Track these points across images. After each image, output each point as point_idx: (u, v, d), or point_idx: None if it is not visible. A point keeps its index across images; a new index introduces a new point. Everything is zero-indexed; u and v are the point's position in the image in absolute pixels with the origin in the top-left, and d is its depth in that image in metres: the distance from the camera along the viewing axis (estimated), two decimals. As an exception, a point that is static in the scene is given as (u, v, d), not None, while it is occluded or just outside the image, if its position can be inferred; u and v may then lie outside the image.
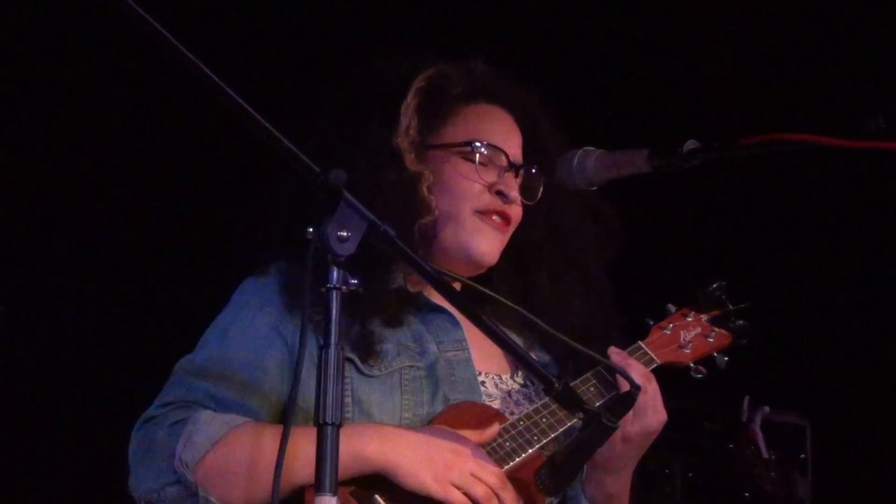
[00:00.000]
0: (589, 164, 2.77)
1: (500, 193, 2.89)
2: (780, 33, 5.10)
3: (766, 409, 5.07)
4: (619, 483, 2.83)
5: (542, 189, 2.96)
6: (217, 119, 2.35)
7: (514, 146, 2.96)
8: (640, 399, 2.67)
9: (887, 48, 4.80)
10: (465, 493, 2.56)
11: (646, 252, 4.90)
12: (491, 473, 2.59)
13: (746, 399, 5.04)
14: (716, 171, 2.58)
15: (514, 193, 2.91)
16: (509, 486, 2.61)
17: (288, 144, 2.18)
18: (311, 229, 2.18)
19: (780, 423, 5.18)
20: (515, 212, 2.93)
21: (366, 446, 2.55)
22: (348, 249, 2.18)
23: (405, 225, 2.79)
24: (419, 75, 2.92)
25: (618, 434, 2.64)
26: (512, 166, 2.93)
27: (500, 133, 2.95)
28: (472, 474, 2.57)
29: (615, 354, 2.80)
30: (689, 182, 2.66)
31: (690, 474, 4.86)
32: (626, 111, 4.98)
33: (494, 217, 2.89)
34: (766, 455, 5.01)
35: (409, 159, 2.85)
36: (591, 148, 2.80)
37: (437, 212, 2.85)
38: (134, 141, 4.39)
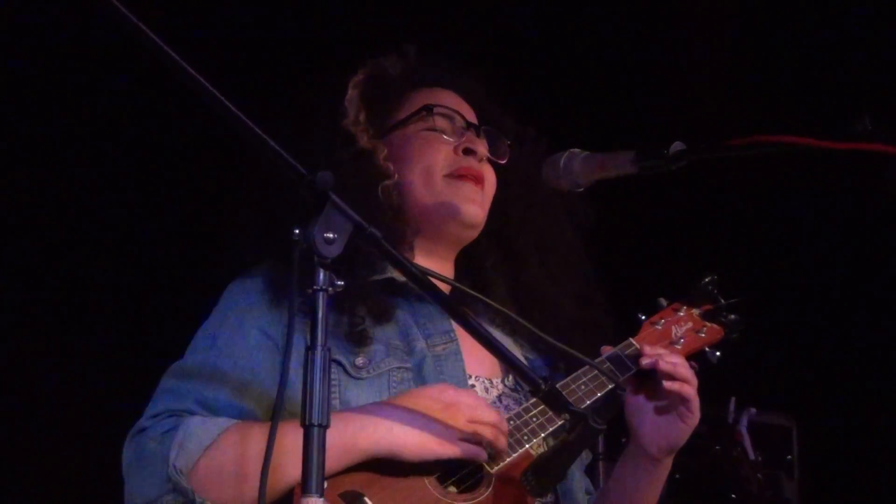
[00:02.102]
0: (575, 165, 2.78)
1: (467, 151, 2.90)
2: (767, 35, 5.11)
3: (753, 410, 5.08)
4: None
5: (508, 151, 2.97)
6: (204, 120, 2.34)
7: (468, 113, 2.98)
8: (695, 384, 2.75)
9: (874, 49, 4.82)
10: (474, 440, 2.56)
11: (637, 246, 4.92)
12: (486, 410, 2.60)
13: (733, 400, 5.05)
14: (708, 168, 2.58)
15: (482, 149, 2.92)
16: (504, 422, 2.62)
17: (274, 146, 2.18)
18: (297, 231, 2.18)
19: (766, 425, 5.19)
20: (488, 172, 2.94)
21: (358, 436, 2.53)
22: (334, 251, 2.18)
23: (367, 190, 2.80)
24: (356, 73, 2.97)
25: (696, 419, 2.76)
26: (471, 126, 2.94)
27: (453, 103, 2.98)
28: (471, 420, 2.56)
29: (650, 348, 2.81)
30: (678, 177, 2.66)
31: (677, 475, 4.85)
32: (613, 113, 4.99)
33: (469, 176, 2.89)
34: (752, 456, 5.02)
35: (363, 140, 2.87)
36: (578, 150, 2.81)
37: (397, 176, 2.85)
38: (119, 143, 4.37)
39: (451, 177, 2.88)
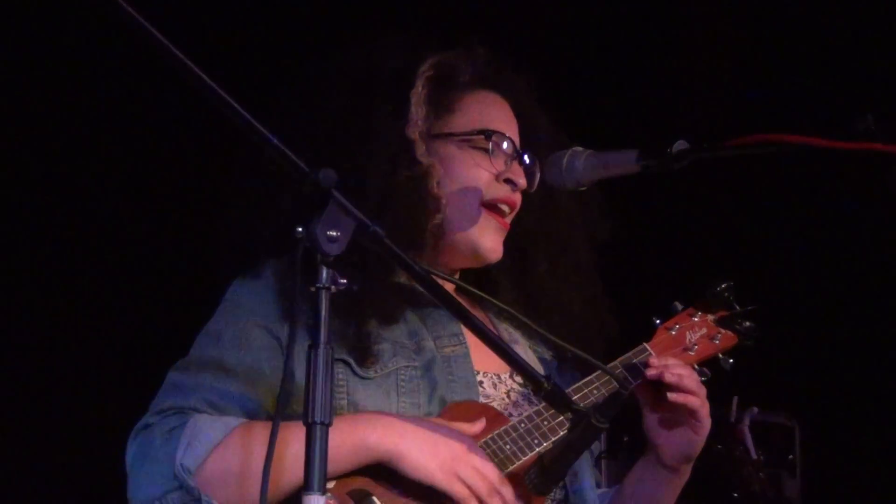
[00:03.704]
0: (578, 164, 2.78)
1: (508, 181, 2.89)
2: (771, 34, 5.11)
3: (755, 409, 5.08)
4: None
5: (539, 176, 2.96)
6: (206, 117, 2.34)
7: (515, 134, 2.97)
8: (702, 394, 2.76)
9: (877, 49, 4.82)
10: (469, 487, 2.57)
11: (653, 249, 4.92)
12: (492, 470, 2.61)
13: (735, 400, 5.04)
14: (717, 170, 2.59)
15: (522, 181, 2.91)
16: (508, 485, 2.62)
17: (277, 144, 2.18)
18: (299, 229, 2.18)
19: (768, 424, 5.19)
20: (518, 199, 2.94)
21: (368, 436, 2.55)
22: (337, 249, 2.18)
23: (418, 228, 2.80)
24: (425, 63, 2.92)
25: (706, 429, 2.78)
26: (518, 154, 2.93)
27: (504, 121, 2.96)
28: (476, 469, 2.58)
29: (656, 359, 2.80)
30: (690, 181, 2.67)
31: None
32: (617, 111, 4.99)
33: (502, 207, 2.89)
34: (754, 456, 5.01)
35: (420, 151, 2.84)
36: (580, 148, 2.81)
37: (447, 209, 2.85)
38: (122, 140, 4.37)
39: (487, 206, 2.88)
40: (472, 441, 2.63)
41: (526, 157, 2.94)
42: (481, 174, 2.88)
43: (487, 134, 2.89)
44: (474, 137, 2.90)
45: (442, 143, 2.90)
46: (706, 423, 2.79)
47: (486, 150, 2.89)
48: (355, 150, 2.78)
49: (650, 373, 2.77)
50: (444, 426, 2.63)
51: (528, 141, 2.98)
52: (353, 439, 2.53)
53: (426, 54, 2.93)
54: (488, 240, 2.88)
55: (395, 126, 2.84)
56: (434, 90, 2.90)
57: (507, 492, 2.61)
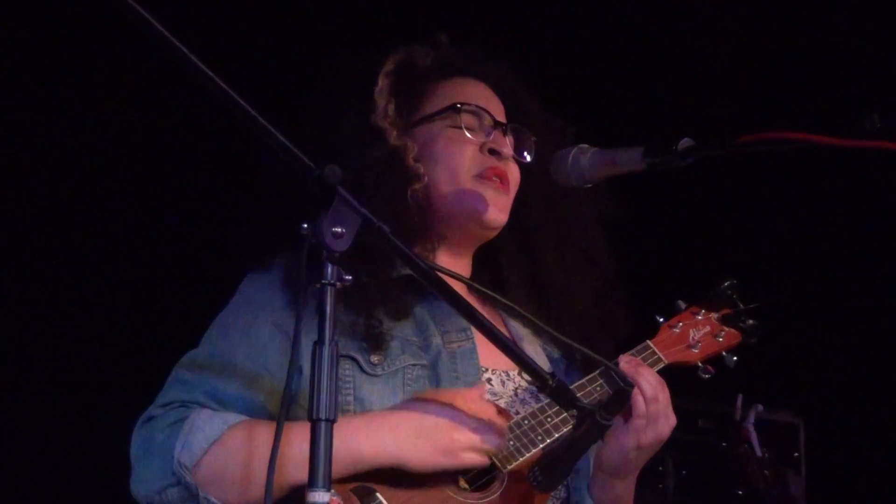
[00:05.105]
0: (584, 161, 2.78)
1: (492, 152, 2.89)
2: (777, 31, 5.11)
3: (760, 407, 5.07)
4: (627, 486, 2.82)
5: (534, 148, 2.96)
6: (214, 115, 2.34)
7: (496, 109, 2.97)
8: (653, 408, 2.67)
9: (884, 46, 4.81)
10: (476, 451, 2.59)
11: (657, 247, 4.92)
12: (488, 412, 2.62)
13: (740, 397, 5.04)
14: (722, 168, 2.59)
15: (507, 150, 2.91)
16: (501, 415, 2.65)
17: (283, 141, 2.19)
18: (305, 225, 2.19)
19: (773, 422, 5.18)
20: (512, 171, 2.93)
21: (363, 448, 2.55)
22: (343, 245, 2.19)
23: (397, 193, 2.80)
24: (386, 61, 2.95)
25: (631, 442, 2.66)
26: (498, 125, 2.93)
27: (481, 98, 2.97)
28: (475, 431, 2.59)
29: (626, 363, 2.76)
30: (695, 179, 2.66)
31: (684, 472, 4.86)
32: (622, 109, 4.99)
33: (494, 178, 2.88)
34: (759, 453, 5.01)
35: (392, 136, 2.86)
36: (586, 146, 2.81)
37: (426, 178, 2.85)
38: (130, 138, 4.38)
39: (477, 177, 2.87)
40: (460, 394, 2.63)
41: (510, 127, 2.94)
42: (462, 148, 2.89)
43: (456, 107, 2.90)
44: (446, 114, 2.91)
45: (418, 129, 2.91)
46: (634, 438, 2.67)
47: (460, 126, 2.89)
48: (330, 146, 2.79)
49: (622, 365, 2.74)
50: (429, 406, 2.62)
51: (520, 120, 2.98)
52: (349, 454, 2.52)
53: (389, 54, 2.97)
54: (486, 203, 2.87)
55: (362, 118, 2.86)
56: (398, 82, 2.92)
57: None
